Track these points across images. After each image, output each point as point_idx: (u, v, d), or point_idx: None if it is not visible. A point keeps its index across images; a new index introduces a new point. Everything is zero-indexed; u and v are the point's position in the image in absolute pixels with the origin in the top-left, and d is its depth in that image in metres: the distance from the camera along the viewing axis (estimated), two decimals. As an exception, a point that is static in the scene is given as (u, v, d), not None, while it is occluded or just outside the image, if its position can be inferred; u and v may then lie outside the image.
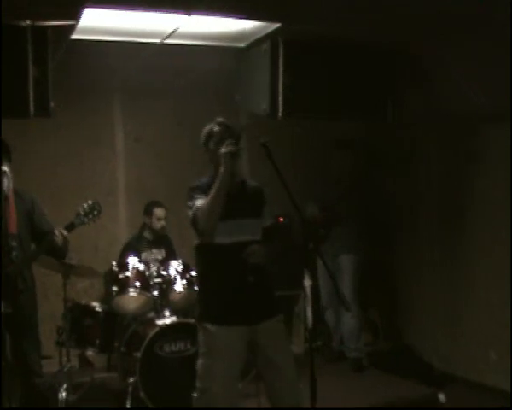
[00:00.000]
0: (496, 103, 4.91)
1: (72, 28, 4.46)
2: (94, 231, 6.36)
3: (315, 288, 5.20)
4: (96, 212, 4.55)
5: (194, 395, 3.77)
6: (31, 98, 4.21)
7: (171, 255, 5.82)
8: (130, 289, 5.18)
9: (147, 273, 5.28)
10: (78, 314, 5.27)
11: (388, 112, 5.18)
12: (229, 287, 3.70)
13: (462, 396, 5.39)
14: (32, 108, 4.23)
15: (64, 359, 5.29)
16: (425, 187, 6.25)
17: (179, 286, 5.30)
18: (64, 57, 4.88)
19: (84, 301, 5.47)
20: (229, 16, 4.51)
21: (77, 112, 6.08)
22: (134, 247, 5.74)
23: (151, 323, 5.17)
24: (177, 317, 5.17)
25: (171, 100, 6.55)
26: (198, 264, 3.94)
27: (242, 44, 5.18)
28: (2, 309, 3.92)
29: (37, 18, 4.16)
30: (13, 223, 4.26)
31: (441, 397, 5.21)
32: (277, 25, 4.68)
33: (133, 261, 5.28)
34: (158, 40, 5.02)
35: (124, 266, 5.26)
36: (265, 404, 4.03)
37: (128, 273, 5.21)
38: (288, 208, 3.95)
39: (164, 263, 5.55)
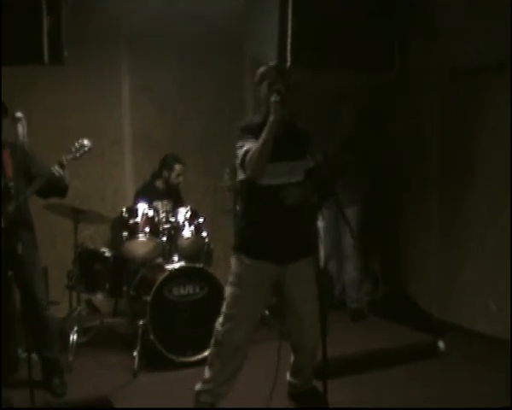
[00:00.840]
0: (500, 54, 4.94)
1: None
2: (100, 180, 6.50)
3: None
4: (86, 148, 4.62)
5: (219, 319, 3.96)
6: (45, 46, 4.28)
7: (180, 206, 5.90)
8: (140, 235, 5.26)
9: (156, 219, 5.36)
10: (87, 259, 5.38)
11: (394, 61, 5.22)
12: (265, 225, 3.84)
13: (461, 344, 5.47)
14: (46, 56, 4.30)
15: (74, 303, 5.44)
16: (427, 140, 6.27)
17: (187, 232, 5.41)
18: (71, 6, 4.91)
19: (93, 247, 5.59)
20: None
21: (83, 62, 6.07)
22: (146, 194, 5.80)
23: (160, 267, 5.27)
24: (185, 262, 5.27)
25: (177, 51, 6.54)
26: (242, 200, 4.07)
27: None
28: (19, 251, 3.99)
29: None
30: (8, 168, 4.39)
31: (441, 345, 5.27)
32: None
33: (143, 208, 5.35)
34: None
35: (133, 212, 5.33)
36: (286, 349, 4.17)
37: (138, 219, 5.28)
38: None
39: (173, 210, 5.64)
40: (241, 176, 3.90)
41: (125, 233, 5.27)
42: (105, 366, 5.04)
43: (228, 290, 3.96)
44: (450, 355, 5.21)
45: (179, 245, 5.40)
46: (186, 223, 5.43)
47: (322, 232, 3.26)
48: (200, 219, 5.51)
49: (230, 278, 3.96)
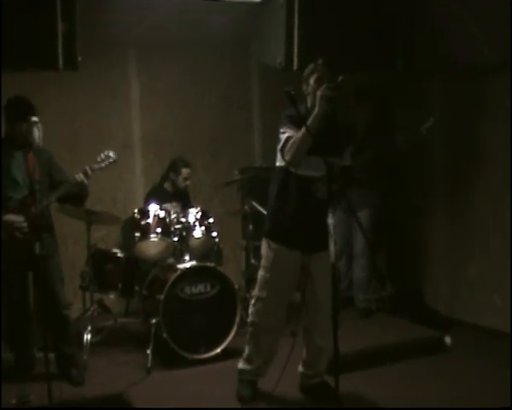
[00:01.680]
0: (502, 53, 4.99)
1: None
2: (112, 183, 6.58)
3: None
4: (111, 159, 4.77)
5: (251, 301, 4.28)
6: (59, 52, 4.40)
7: (189, 207, 5.96)
8: (152, 235, 5.34)
9: (167, 220, 5.44)
10: (100, 260, 5.47)
11: (398, 60, 5.32)
12: (295, 214, 4.04)
13: (467, 339, 5.55)
14: (60, 62, 4.43)
15: (87, 303, 5.52)
16: (432, 137, 6.30)
17: (198, 232, 5.50)
18: (82, 11, 5.00)
19: (105, 248, 5.68)
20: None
21: (94, 65, 6.15)
22: (155, 196, 5.88)
23: (172, 267, 5.36)
24: (196, 261, 5.36)
25: (186, 53, 6.64)
26: (274, 183, 4.19)
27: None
28: (37, 251, 4.08)
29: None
30: (36, 172, 4.41)
31: (447, 340, 5.34)
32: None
33: (154, 209, 5.43)
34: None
35: (145, 213, 5.42)
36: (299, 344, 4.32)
37: (149, 220, 5.36)
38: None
39: (182, 212, 5.71)
40: (279, 162, 4.07)
41: (137, 234, 5.36)
42: (119, 363, 5.12)
43: (259, 273, 4.23)
44: (457, 350, 5.29)
45: (190, 245, 5.48)
46: (197, 223, 5.51)
47: (332, 229, 3.34)
48: (211, 220, 5.59)
49: (262, 262, 4.20)
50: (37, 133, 4.12)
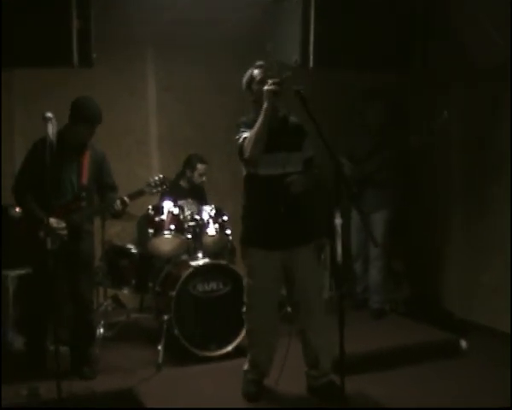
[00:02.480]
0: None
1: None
2: (127, 179, 6.56)
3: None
4: (164, 186, 4.89)
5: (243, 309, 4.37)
6: (74, 48, 4.42)
7: (205, 204, 5.97)
8: (166, 232, 5.35)
9: (181, 217, 5.45)
10: (114, 256, 5.52)
11: (414, 60, 5.28)
12: (267, 214, 4.09)
13: (483, 343, 5.49)
14: (75, 58, 4.45)
15: (101, 299, 5.59)
16: (448, 138, 6.25)
17: (212, 230, 5.51)
18: (100, 9, 5.02)
19: (119, 243, 5.71)
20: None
21: (111, 63, 6.17)
22: (171, 193, 5.87)
23: (185, 264, 5.36)
24: (210, 259, 5.36)
25: (202, 51, 6.63)
26: (244, 192, 4.29)
27: (274, -3, 5.28)
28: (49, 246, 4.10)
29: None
30: (85, 175, 4.63)
31: (463, 343, 5.31)
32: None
33: (168, 205, 5.44)
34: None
35: (159, 209, 5.44)
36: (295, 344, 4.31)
37: (163, 217, 5.38)
38: (320, 158, 4.16)
39: (197, 209, 5.72)
40: (243, 172, 4.17)
41: (151, 230, 5.38)
42: (130, 358, 5.14)
43: (244, 281, 4.32)
44: (472, 354, 5.24)
45: (204, 242, 5.49)
46: (210, 221, 5.52)
47: (339, 229, 3.31)
48: (225, 217, 5.60)
49: (245, 270, 4.28)
50: (50, 129, 4.13)
